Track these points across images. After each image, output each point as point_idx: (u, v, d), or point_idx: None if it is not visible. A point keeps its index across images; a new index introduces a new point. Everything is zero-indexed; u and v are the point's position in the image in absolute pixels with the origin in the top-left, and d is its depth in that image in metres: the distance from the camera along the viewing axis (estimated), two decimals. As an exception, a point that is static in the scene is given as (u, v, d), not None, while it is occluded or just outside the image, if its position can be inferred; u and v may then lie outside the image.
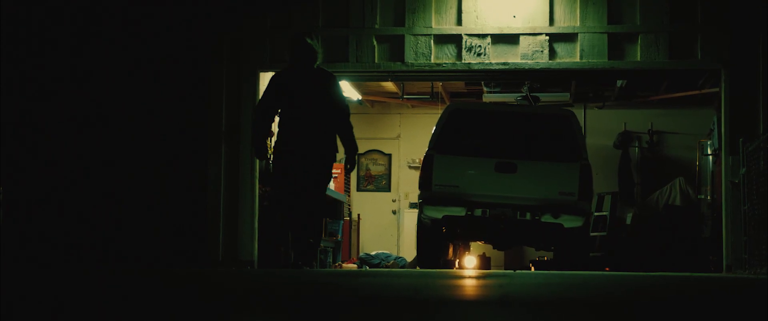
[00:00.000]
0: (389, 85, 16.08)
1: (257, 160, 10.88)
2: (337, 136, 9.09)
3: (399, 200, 18.55)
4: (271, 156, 9.53)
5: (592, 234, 14.54)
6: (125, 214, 10.99)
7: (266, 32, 11.30)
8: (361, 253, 16.00)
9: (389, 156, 18.63)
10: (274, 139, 9.21)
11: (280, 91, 8.92)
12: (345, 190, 16.21)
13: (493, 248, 12.91)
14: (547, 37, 11.08)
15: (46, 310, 2.95)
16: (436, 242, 11.60)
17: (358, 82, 14.91)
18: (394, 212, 18.53)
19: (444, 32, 11.13)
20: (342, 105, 9.07)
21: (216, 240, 11.05)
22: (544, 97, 16.00)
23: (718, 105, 11.46)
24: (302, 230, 8.80)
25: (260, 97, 9.27)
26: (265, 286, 4.38)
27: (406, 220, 17.90)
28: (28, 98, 11.11)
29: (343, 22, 11.23)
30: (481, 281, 5.42)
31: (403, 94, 16.61)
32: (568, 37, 11.09)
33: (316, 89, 8.96)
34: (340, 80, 13.16)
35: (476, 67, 11.16)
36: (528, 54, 11.09)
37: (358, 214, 17.39)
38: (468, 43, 11.12)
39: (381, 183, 18.65)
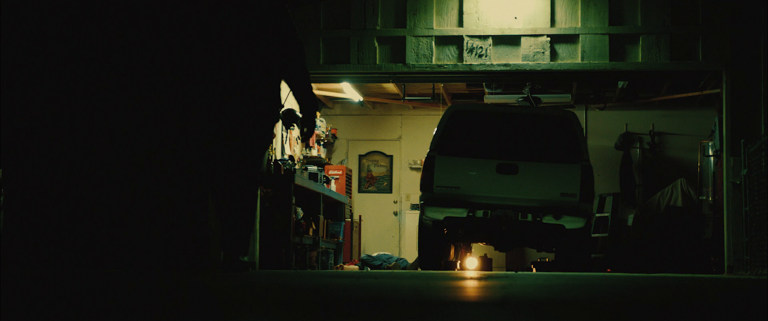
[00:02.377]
0: (390, 87, 16.07)
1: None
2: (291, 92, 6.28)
3: (400, 202, 18.54)
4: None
5: (593, 235, 14.53)
6: (125, 214, 10.97)
7: (267, 33, 11.29)
8: (362, 255, 16.00)
9: (390, 157, 18.62)
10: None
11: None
12: (346, 192, 16.21)
13: (495, 249, 12.91)
14: (549, 39, 11.07)
15: (46, 310, 2.94)
16: (438, 244, 11.60)
17: (359, 83, 14.91)
18: (395, 214, 18.52)
19: (445, 33, 11.13)
20: (290, 39, 6.04)
21: (217, 241, 11.03)
22: (546, 99, 16.00)
23: (720, 106, 11.46)
24: (229, 227, 6.89)
25: None
26: (266, 287, 4.38)
27: (407, 221, 17.89)
28: (27, 98, 11.10)
29: (344, 23, 11.22)
30: (483, 282, 5.41)
31: (404, 96, 16.61)
32: (569, 39, 11.09)
33: (237, 17, 6.03)
34: (341, 81, 13.23)
35: (477, 69, 11.15)
36: (529, 55, 11.09)
37: (360, 216, 17.38)
38: (469, 45, 11.11)
39: (382, 184, 18.64)
